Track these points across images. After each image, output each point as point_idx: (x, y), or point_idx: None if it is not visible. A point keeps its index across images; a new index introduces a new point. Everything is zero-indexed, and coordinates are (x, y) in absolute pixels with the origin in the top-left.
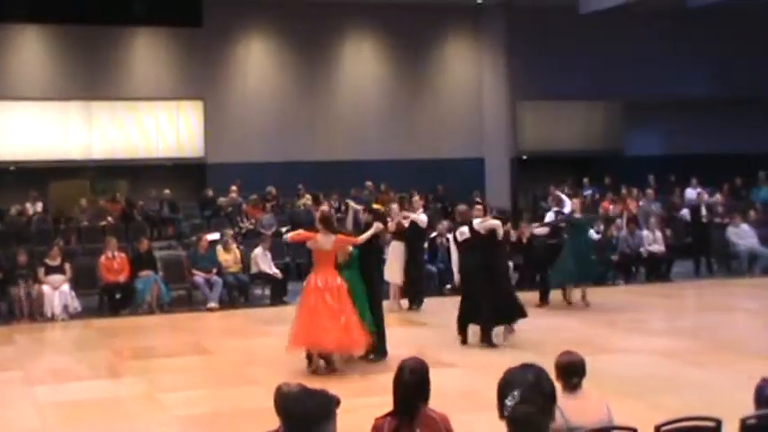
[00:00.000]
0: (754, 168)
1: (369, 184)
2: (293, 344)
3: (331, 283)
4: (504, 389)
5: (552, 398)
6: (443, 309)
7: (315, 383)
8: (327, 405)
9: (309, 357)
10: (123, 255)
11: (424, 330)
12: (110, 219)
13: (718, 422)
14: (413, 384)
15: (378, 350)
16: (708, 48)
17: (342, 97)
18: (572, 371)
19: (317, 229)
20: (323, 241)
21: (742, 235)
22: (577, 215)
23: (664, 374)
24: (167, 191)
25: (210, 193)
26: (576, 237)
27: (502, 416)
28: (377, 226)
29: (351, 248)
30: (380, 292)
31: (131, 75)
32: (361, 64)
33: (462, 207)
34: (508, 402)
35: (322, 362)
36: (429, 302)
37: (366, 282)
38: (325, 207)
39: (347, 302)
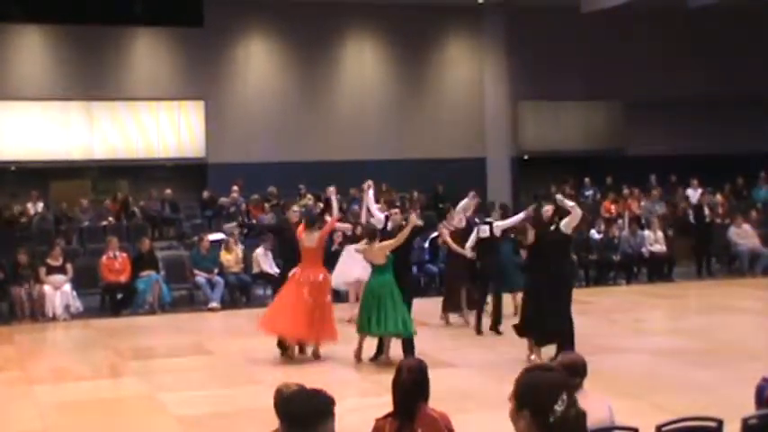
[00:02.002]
0: (755, 168)
1: None
2: (260, 326)
3: (313, 277)
4: (547, 393)
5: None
6: None
7: (317, 383)
8: (327, 404)
9: (282, 346)
10: (125, 255)
11: (425, 330)
12: (111, 219)
13: (720, 422)
14: (412, 384)
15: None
16: (708, 48)
17: (343, 97)
18: (573, 371)
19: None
20: (307, 239)
21: (743, 235)
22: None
23: (665, 374)
24: (168, 191)
25: (206, 193)
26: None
27: (546, 422)
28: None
29: (388, 253)
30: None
31: (132, 75)
32: (362, 64)
33: (548, 208)
34: (558, 408)
35: (297, 348)
36: (428, 303)
37: (400, 283)
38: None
39: (326, 298)
